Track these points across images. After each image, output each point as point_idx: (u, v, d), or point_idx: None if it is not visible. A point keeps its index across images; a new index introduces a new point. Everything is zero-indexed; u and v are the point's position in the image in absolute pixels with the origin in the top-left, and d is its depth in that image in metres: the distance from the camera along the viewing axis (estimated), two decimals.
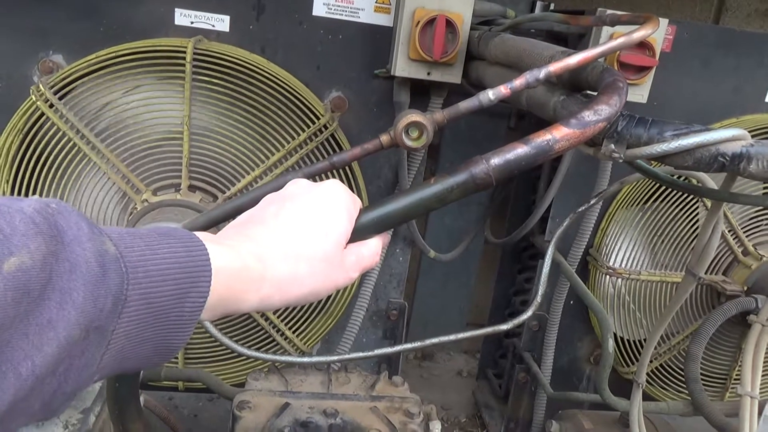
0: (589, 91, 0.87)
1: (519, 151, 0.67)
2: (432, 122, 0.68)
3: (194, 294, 0.47)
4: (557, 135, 0.68)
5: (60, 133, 1.31)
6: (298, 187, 0.62)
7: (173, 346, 0.47)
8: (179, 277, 0.46)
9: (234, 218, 0.65)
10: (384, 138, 0.70)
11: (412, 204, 0.67)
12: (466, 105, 0.68)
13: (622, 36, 0.67)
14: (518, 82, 0.66)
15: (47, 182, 1.34)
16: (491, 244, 2.02)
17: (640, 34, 0.67)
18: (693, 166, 0.76)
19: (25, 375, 0.37)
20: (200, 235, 0.51)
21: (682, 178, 1.23)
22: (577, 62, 0.66)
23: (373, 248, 0.64)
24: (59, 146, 1.32)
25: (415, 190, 0.67)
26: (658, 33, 1.38)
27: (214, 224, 0.70)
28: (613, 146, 0.77)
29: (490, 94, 0.67)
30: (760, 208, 1.63)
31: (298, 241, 0.56)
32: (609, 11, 0.97)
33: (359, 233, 0.65)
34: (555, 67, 0.66)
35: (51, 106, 1.29)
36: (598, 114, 0.69)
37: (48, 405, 0.41)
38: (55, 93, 1.29)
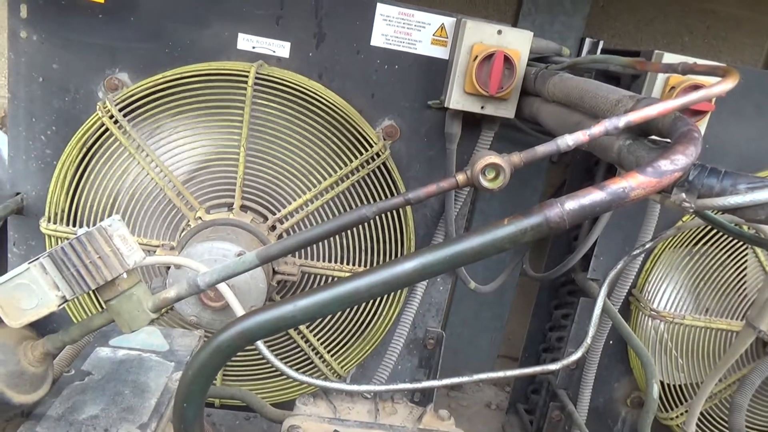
0: (656, 137, 0.88)
1: (594, 196, 0.68)
2: (509, 164, 0.69)
3: None
4: (633, 183, 0.68)
5: (122, 149, 1.35)
6: None
7: None
8: None
9: (306, 247, 0.67)
10: (460, 177, 0.71)
11: (486, 244, 0.67)
12: (543, 149, 0.69)
13: (703, 89, 0.67)
14: (597, 130, 0.67)
15: (105, 193, 1.38)
16: (529, 278, 2.00)
17: (721, 87, 0.67)
18: (765, 220, 0.75)
19: None
20: None
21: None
22: (657, 113, 0.67)
23: None
24: (120, 161, 1.36)
25: (489, 230, 0.67)
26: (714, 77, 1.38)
27: (287, 253, 0.72)
28: (684, 195, 0.77)
29: (569, 140, 0.68)
30: None
31: None
32: (680, 60, 0.97)
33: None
34: (636, 116, 0.66)
35: (116, 122, 1.33)
36: (674, 164, 0.69)
37: None
38: (120, 110, 1.33)
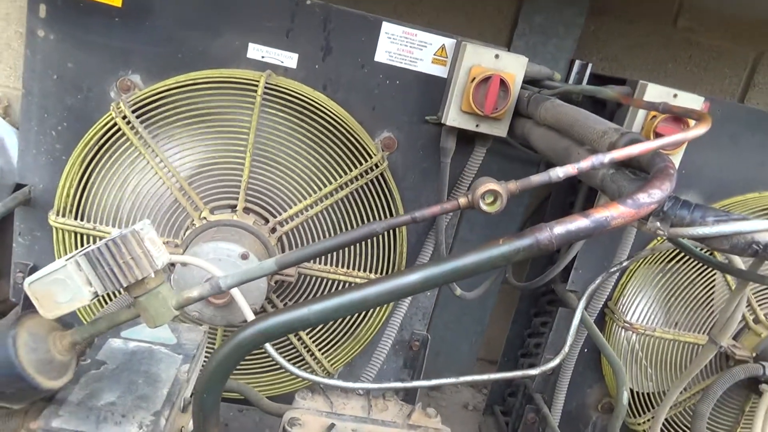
0: (636, 170, 0.97)
1: (579, 223, 0.76)
2: (506, 191, 0.77)
3: None
4: (614, 213, 0.77)
5: (132, 148, 1.41)
6: None
7: None
8: None
9: (318, 258, 0.74)
10: (462, 200, 0.79)
11: (482, 261, 0.76)
12: (537, 179, 0.77)
13: (679, 134, 0.76)
14: (585, 164, 0.75)
15: (114, 190, 1.44)
16: (512, 286, 2.10)
17: (694, 132, 0.76)
18: (729, 250, 0.84)
19: None
20: None
21: (706, 250, 1.31)
22: (639, 152, 0.75)
23: None
24: (129, 160, 1.42)
25: (486, 249, 0.76)
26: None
27: (303, 260, 0.79)
28: (658, 224, 0.86)
29: (560, 172, 0.76)
30: None
31: None
32: (662, 93, 1.06)
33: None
34: (619, 154, 0.75)
35: (128, 122, 1.39)
36: (651, 197, 0.78)
37: None
38: (133, 111, 1.39)
